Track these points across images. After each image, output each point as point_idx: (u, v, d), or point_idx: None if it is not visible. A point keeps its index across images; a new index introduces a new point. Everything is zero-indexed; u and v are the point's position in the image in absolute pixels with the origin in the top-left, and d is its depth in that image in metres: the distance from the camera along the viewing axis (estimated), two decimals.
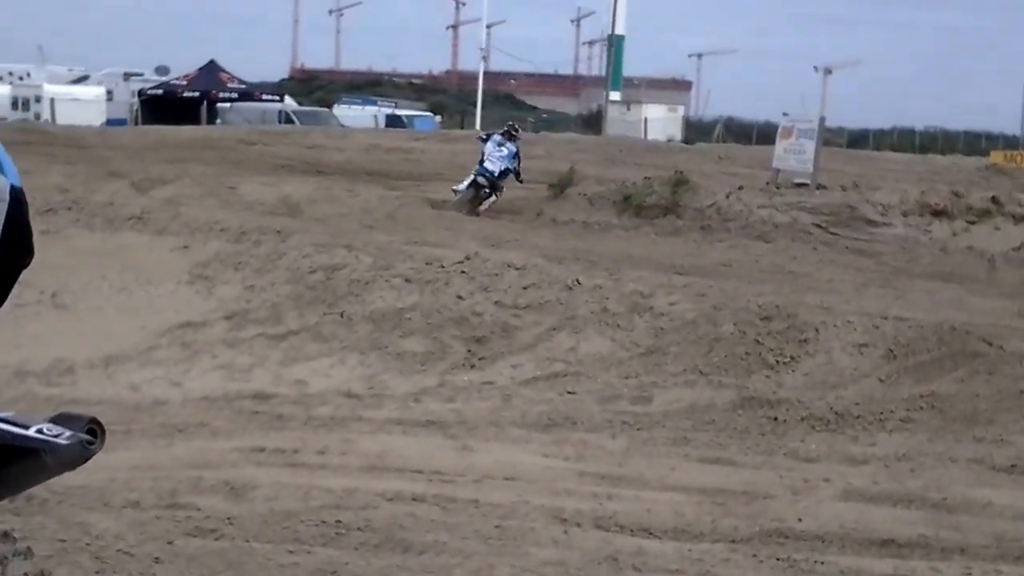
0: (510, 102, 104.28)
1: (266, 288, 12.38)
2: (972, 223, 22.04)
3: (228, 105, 45.48)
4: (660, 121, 66.39)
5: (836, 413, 8.90)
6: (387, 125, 49.06)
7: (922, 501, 7.12)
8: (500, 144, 23.44)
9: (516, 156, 23.77)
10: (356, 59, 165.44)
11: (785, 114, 25.62)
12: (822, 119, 25.23)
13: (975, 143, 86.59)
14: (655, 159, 35.67)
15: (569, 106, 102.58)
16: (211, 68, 49.59)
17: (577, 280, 11.79)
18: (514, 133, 24.05)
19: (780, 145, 24.61)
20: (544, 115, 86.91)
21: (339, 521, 6.38)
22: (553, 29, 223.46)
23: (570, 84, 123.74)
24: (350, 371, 10.57)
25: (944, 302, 13.85)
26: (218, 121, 43.45)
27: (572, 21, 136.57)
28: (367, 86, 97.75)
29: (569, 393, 9.71)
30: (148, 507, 6.53)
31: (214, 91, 46.80)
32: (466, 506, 6.73)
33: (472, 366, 10.56)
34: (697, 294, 11.76)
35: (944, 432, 8.56)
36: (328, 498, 6.76)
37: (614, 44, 77.80)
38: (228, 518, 6.35)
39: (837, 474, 7.62)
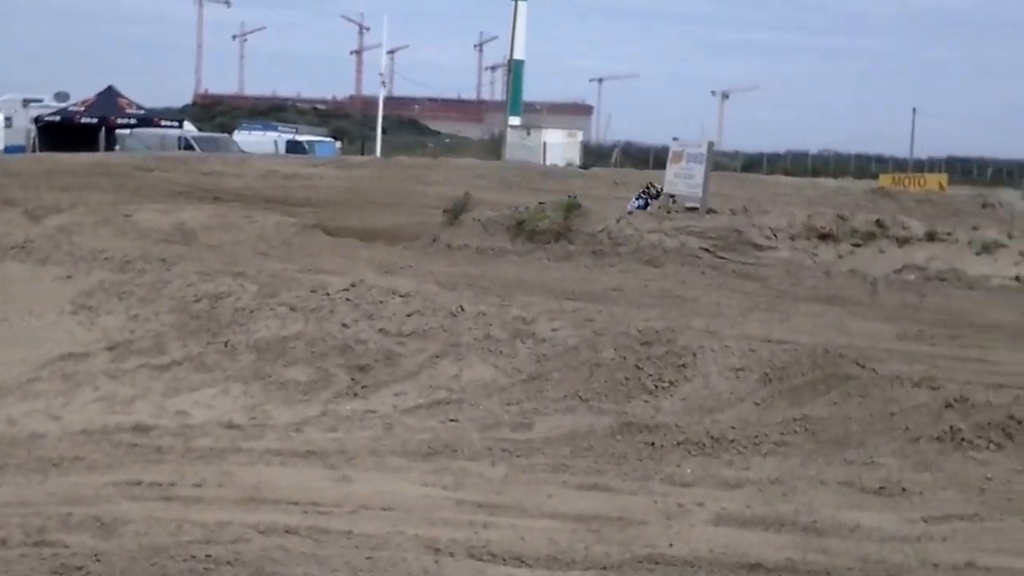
0: (413, 127, 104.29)
1: (150, 318, 12.21)
2: (857, 246, 22.35)
3: (128, 131, 44.89)
4: (559, 146, 66.61)
5: (712, 437, 8.92)
6: (287, 151, 48.67)
7: (792, 525, 7.14)
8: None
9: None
10: (260, 84, 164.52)
11: (675, 139, 25.84)
12: (711, 144, 25.43)
13: (866, 166, 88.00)
14: (551, 184, 35.77)
15: (472, 131, 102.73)
16: (109, 94, 48.93)
17: (461, 307, 11.75)
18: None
19: (671, 170, 24.81)
20: (447, 140, 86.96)
21: (209, 556, 6.27)
22: (456, 54, 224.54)
23: (473, 109, 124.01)
24: (233, 401, 10.44)
25: (826, 325, 13.99)
26: (117, 147, 42.89)
27: (475, 46, 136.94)
28: (270, 111, 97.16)
29: (451, 421, 9.64)
30: (14, 545, 6.37)
31: (112, 117, 46.18)
32: (339, 538, 6.64)
33: (355, 395, 10.47)
34: (585, 319, 11.77)
35: (816, 455, 8.61)
36: (200, 532, 6.64)
37: (513, 69, 78.02)
38: (96, 555, 6.21)
39: (711, 498, 7.63)
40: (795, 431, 9.07)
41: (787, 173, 68.93)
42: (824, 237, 22.62)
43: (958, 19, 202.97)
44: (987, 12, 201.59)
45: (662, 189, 27.16)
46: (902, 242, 22.48)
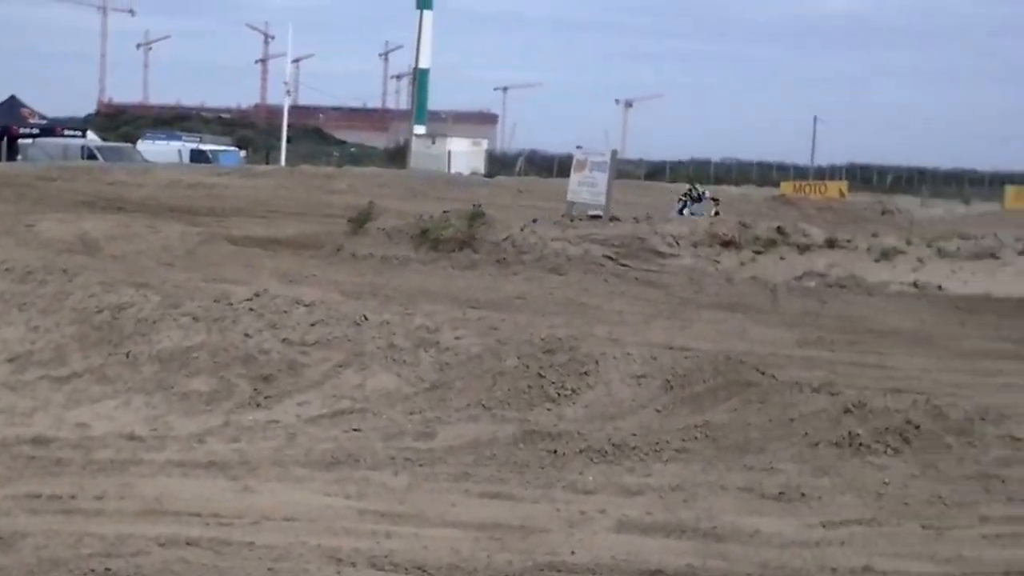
0: (318, 136, 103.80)
1: (51, 329, 12.01)
2: (759, 253, 22.62)
3: (30, 141, 44.28)
4: (464, 154, 66.65)
5: (614, 444, 8.94)
6: (192, 160, 48.27)
7: (693, 531, 7.18)
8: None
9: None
10: (165, 94, 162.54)
11: (579, 147, 25.95)
12: (614, 152, 25.61)
13: (768, 174, 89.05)
14: (456, 193, 35.86)
15: (377, 140, 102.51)
16: (11, 103, 48.27)
17: (365, 316, 11.69)
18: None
19: (574, 178, 24.95)
20: (352, 149, 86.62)
21: (109, 569, 6.17)
22: (362, 63, 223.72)
23: (378, 118, 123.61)
24: (134, 413, 10.29)
25: (728, 332, 14.12)
26: (19, 157, 42.30)
27: (380, 55, 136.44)
28: (175, 121, 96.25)
29: (354, 430, 9.58)
30: None
31: (15, 126, 45.54)
32: (241, 549, 6.57)
33: (258, 405, 10.37)
34: (489, 327, 11.76)
35: (717, 461, 8.66)
36: (100, 545, 6.54)
37: (418, 78, 77.94)
38: None
39: (613, 505, 7.65)
40: (696, 438, 9.13)
41: (690, 181, 69.53)
42: (726, 244, 22.88)
43: (860, 26, 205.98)
44: (890, 19, 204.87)
45: (704, 193, 28.11)
46: (803, 249, 22.80)
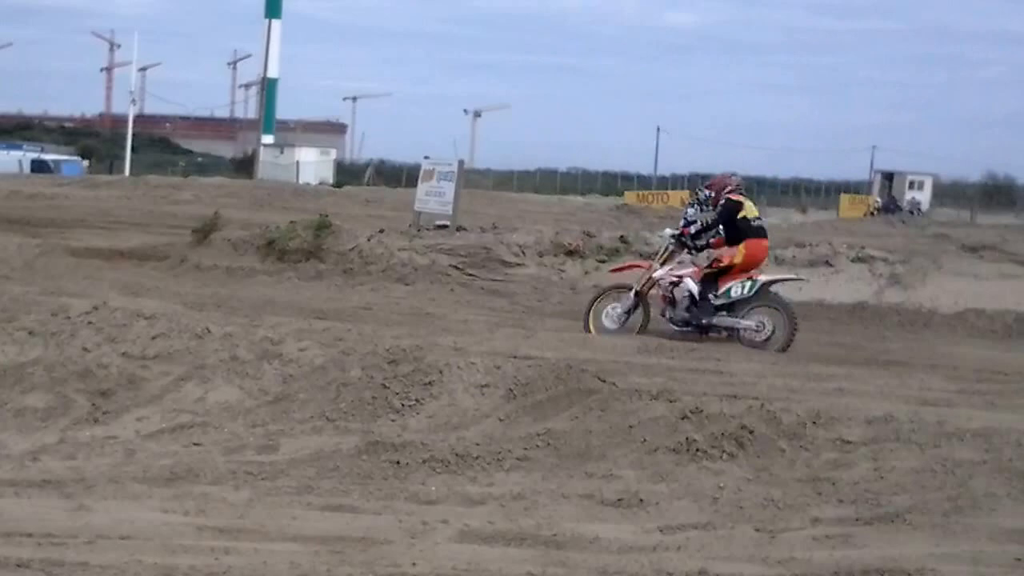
0: (165, 146, 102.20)
1: None
2: (602, 262, 22.78)
3: None
4: (312, 164, 66.21)
5: (457, 454, 8.92)
6: (33, 170, 47.15)
7: (534, 539, 7.19)
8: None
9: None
10: (5, 102, 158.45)
11: (426, 157, 25.91)
12: (461, 162, 25.61)
13: (612, 184, 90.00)
14: (303, 203, 35.57)
15: (225, 149, 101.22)
16: None
17: (207, 328, 11.50)
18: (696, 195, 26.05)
19: (422, 188, 24.89)
20: (199, 159, 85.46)
21: None
22: (209, 72, 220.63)
23: (226, 127, 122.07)
24: None
25: (571, 340, 14.15)
26: None
27: (229, 64, 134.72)
28: (16, 130, 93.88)
29: (195, 445, 9.41)
30: None
31: None
32: (74, 570, 6.39)
33: (96, 421, 10.13)
34: (335, 338, 11.65)
35: (558, 469, 8.70)
36: None
37: (267, 88, 77.18)
38: None
39: (455, 515, 7.62)
40: (538, 446, 9.15)
41: (537, 191, 70.05)
42: (571, 254, 23.02)
43: (700, 41, 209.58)
44: (731, 33, 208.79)
45: (710, 194, 27.48)
46: (645, 258, 23.00)
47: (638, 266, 15.84)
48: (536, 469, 8.72)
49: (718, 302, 14.52)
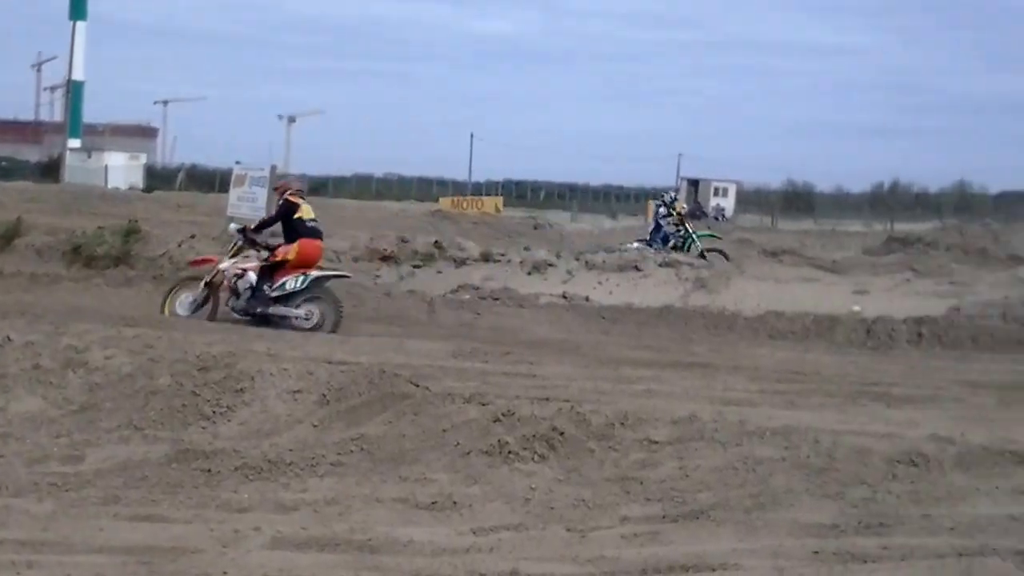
0: None
1: None
2: (417, 267, 22.82)
3: None
4: (121, 169, 64.78)
5: (270, 461, 8.82)
6: None
7: (347, 544, 7.15)
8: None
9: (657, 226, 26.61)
10: None
11: (238, 162, 25.53)
12: (273, 167, 25.30)
13: (428, 189, 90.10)
14: (112, 208, 34.72)
15: (31, 153, 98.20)
16: None
17: (8, 336, 11.15)
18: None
19: (234, 193, 24.51)
20: (3, 163, 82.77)
21: None
22: (13, 74, 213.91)
23: (31, 131, 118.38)
24: None
25: (385, 345, 14.14)
26: None
27: (32, 66, 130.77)
28: None
29: None
30: None
31: None
32: None
33: None
34: (144, 346, 11.41)
35: (372, 474, 8.67)
36: None
37: (73, 90, 75.26)
38: None
39: (268, 522, 7.53)
40: (352, 451, 9.11)
41: (352, 196, 69.69)
42: (386, 259, 23.02)
43: (513, 49, 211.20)
44: (538, 42, 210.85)
45: (675, 195, 28.11)
46: (459, 263, 23.17)
47: (211, 260, 16.90)
48: (350, 474, 8.67)
49: (274, 293, 15.83)
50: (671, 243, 26.21)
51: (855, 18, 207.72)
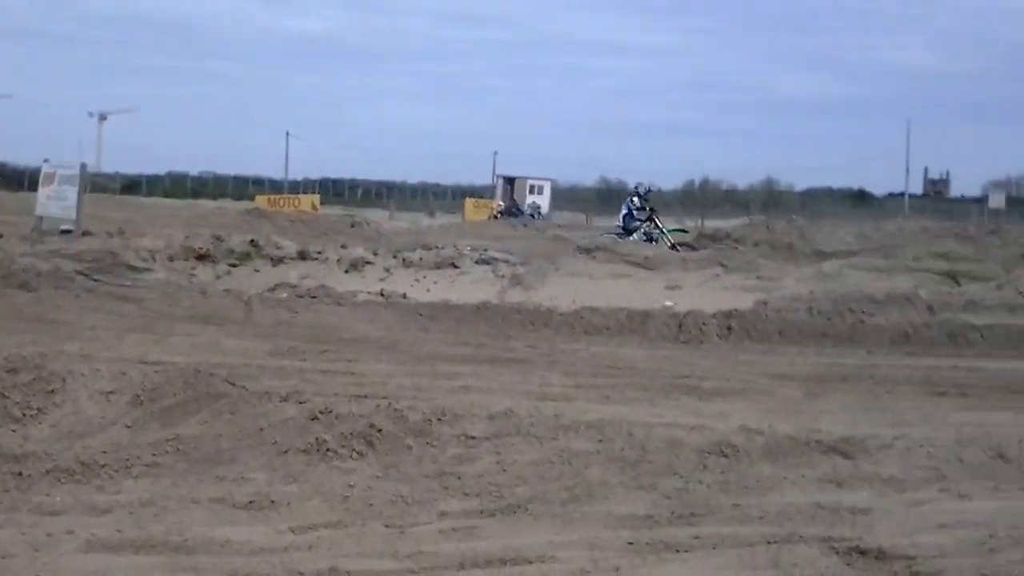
0: None
1: None
2: (233, 266, 22.53)
3: None
4: None
5: (82, 463, 8.59)
6: None
7: (164, 545, 7.01)
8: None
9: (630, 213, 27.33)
10: None
11: (47, 160, 24.95)
12: (83, 165, 24.79)
13: (244, 188, 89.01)
14: None
15: None
16: None
17: None
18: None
19: (43, 192, 23.96)
20: None
21: None
22: None
23: None
24: None
25: (202, 345, 13.94)
26: None
27: None
28: None
29: None
30: None
31: None
32: None
33: None
34: None
35: (188, 474, 8.51)
36: None
37: None
38: None
39: (81, 525, 7.34)
40: (167, 451, 8.93)
41: (167, 195, 68.46)
42: (201, 258, 22.65)
43: (329, 47, 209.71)
44: (353, 40, 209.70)
45: (650, 188, 27.75)
46: (276, 261, 22.94)
47: None
48: (165, 475, 8.51)
49: None
50: (640, 235, 26.67)
51: (666, 18, 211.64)
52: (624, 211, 27.89)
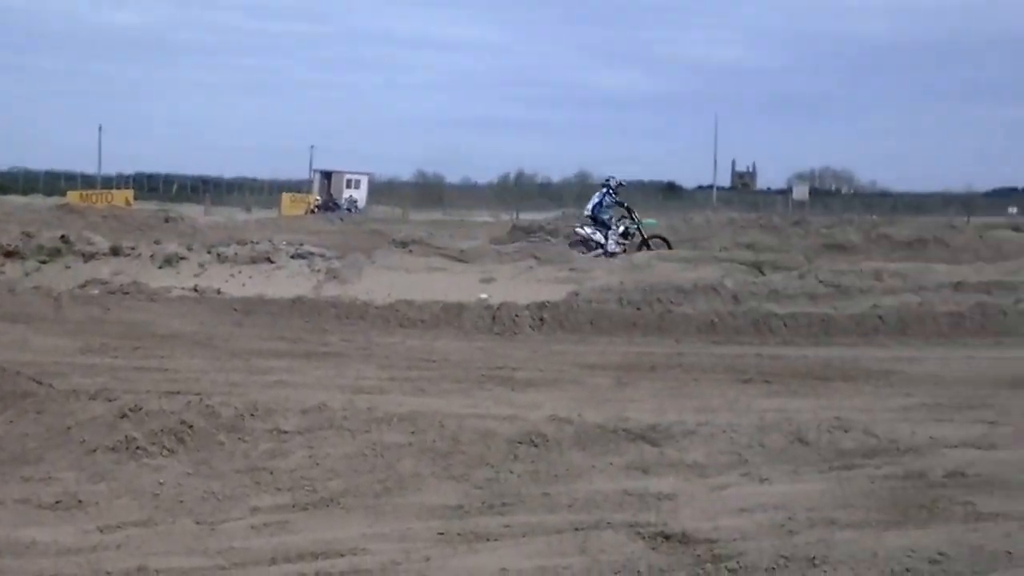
0: None
1: None
2: (44, 263, 21.90)
3: None
4: None
5: None
6: None
7: None
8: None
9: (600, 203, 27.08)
10: None
11: None
12: None
13: (56, 183, 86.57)
14: None
15: None
16: None
17: None
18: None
19: None
20: None
21: None
22: None
23: None
24: None
25: (9, 343, 13.55)
26: None
27: None
28: None
29: None
30: None
31: None
32: None
33: None
34: None
35: None
36: None
37: None
38: None
39: None
40: None
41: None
42: (9, 255, 21.99)
43: (143, 40, 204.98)
44: (169, 33, 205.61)
45: (622, 182, 27.27)
46: (88, 257, 22.38)
47: None
48: None
49: None
50: (615, 230, 26.65)
51: (482, 13, 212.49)
52: (596, 200, 27.87)
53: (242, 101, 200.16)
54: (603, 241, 26.73)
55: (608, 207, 27.70)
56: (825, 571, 6.21)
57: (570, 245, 26.47)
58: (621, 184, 28.71)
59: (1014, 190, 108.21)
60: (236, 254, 21.65)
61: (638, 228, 27.67)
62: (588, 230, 27.20)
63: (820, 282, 19.56)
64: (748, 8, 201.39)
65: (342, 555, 6.65)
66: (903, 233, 36.39)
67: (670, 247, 27.03)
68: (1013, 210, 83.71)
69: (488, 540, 6.89)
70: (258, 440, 8.77)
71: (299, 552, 6.69)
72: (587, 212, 28.00)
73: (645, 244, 27.11)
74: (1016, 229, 40.48)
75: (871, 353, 14.87)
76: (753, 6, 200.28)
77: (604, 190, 28.07)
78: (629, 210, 27.97)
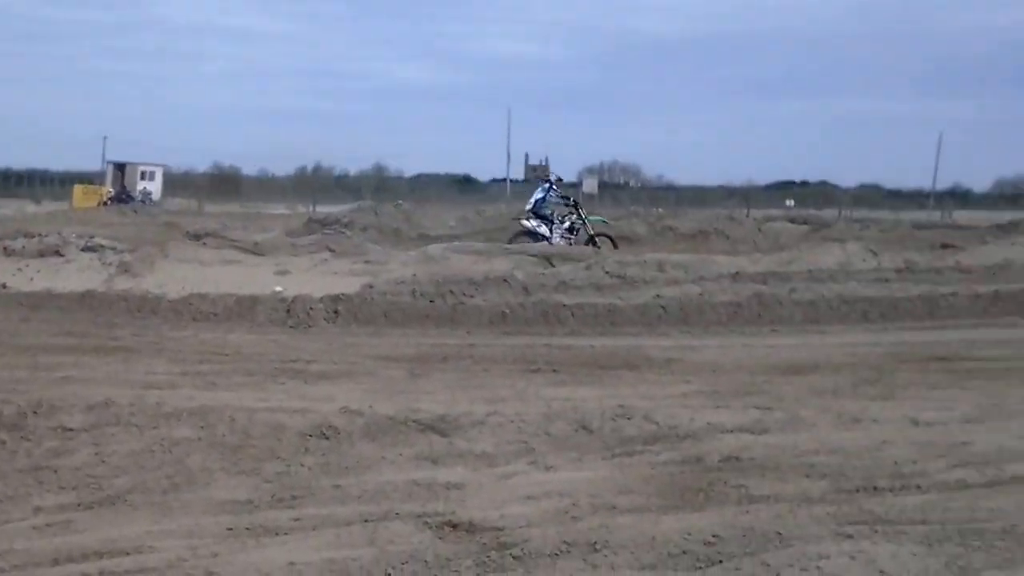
0: None
1: None
2: None
3: None
4: None
5: None
6: None
7: None
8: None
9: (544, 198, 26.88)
10: None
11: None
12: None
13: None
14: None
15: None
16: None
17: None
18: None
19: None
20: None
21: None
22: None
23: None
24: None
25: None
26: None
27: None
28: None
29: None
30: None
31: None
32: None
33: None
34: None
35: None
36: None
37: None
38: None
39: None
40: None
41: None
42: None
43: None
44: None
45: (560, 178, 26.16)
46: None
47: None
48: None
49: None
50: (559, 226, 26.07)
51: (279, 5, 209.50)
52: (539, 196, 27.41)
53: (31, 90, 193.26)
54: (548, 235, 26.64)
55: (551, 203, 27.67)
56: (606, 555, 6.32)
57: (514, 237, 26.37)
58: (560, 179, 28.83)
59: (792, 183, 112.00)
60: (24, 247, 20.91)
61: (584, 224, 27.65)
62: (533, 223, 27.02)
63: (606, 273, 19.88)
64: (540, 3, 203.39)
65: (127, 553, 6.49)
66: (686, 225, 37.33)
67: (616, 246, 27.02)
68: (790, 203, 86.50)
69: (277, 534, 6.82)
70: (42, 438, 8.50)
71: (83, 552, 6.51)
72: (528, 207, 27.86)
73: (592, 241, 27.04)
74: (792, 221, 41.93)
75: (654, 342, 15.19)
76: (545, 1, 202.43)
77: (547, 185, 28.00)
78: (576, 206, 27.95)
